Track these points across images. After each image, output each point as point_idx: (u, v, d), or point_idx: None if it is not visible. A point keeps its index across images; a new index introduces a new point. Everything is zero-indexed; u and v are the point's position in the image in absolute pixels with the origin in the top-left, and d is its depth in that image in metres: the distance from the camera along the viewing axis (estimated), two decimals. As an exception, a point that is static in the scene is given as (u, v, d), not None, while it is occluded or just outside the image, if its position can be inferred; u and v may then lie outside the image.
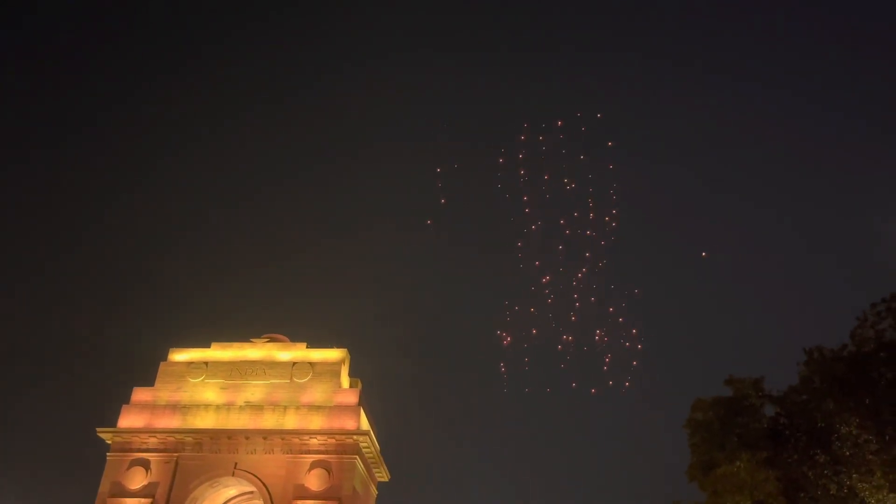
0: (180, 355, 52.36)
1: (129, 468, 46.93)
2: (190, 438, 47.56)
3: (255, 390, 50.11)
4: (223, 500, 51.11)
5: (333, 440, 47.32)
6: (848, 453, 39.88)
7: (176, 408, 49.25)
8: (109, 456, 47.65)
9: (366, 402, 51.98)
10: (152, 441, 47.74)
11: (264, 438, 47.34)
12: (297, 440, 47.34)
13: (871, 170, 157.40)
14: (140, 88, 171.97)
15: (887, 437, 38.40)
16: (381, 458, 54.60)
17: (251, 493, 49.79)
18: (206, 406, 49.36)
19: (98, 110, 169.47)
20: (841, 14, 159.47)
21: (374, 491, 56.62)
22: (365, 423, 50.37)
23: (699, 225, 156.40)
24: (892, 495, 38.40)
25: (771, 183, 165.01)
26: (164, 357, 52.46)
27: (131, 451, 47.60)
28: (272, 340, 53.91)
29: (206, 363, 51.39)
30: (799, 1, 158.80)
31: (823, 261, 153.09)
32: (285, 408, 48.91)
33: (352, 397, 49.80)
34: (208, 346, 53.00)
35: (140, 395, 50.29)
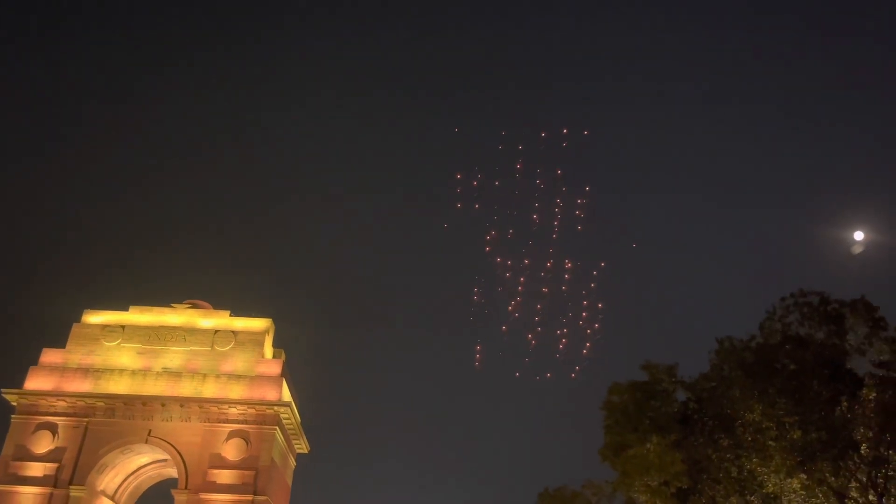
0: (95, 318, 50.47)
1: (34, 432, 45.30)
2: (101, 403, 46.10)
3: (173, 357, 48.84)
4: (135, 467, 49.92)
5: (253, 410, 46.74)
6: (750, 439, 41.86)
7: (88, 371, 47.53)
8: (14, 418, 45.95)
9: (289, 373, 51.47)
10: (61, 405, 46.08)
11: (181, 406, 46.34)
12: (215, 409, 46.54)
13: (789, 169, 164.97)
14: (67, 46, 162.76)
15: (786, 425, 40.54)
16: (302, 430, 54.28)
17: (164, 460, 48.76)
18: (121, 371, 47.83)
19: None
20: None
21: (292, 462, 56.30)
22: (287, 395, 49.91)
23: (634, 218, 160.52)
24: (788, 480, 40.62)
25: (700, 183, 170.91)
26: (79, 319, 50.49)
27: (38, 414, 45.92)
28: (194, 307, 52.59)
29: (122, 327, 49.73)
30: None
31: (745, 256, 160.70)
32: (205, 376, 47.91)
33: (274, 368, 49.19)
34: (126, 310, 51.29)
35: (49, 356, 48.29)
